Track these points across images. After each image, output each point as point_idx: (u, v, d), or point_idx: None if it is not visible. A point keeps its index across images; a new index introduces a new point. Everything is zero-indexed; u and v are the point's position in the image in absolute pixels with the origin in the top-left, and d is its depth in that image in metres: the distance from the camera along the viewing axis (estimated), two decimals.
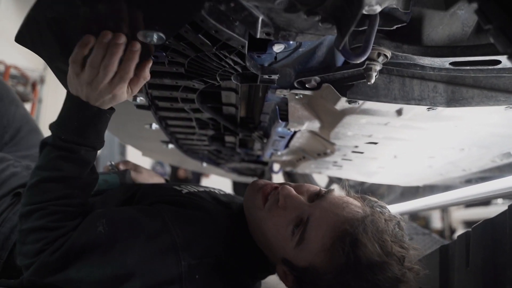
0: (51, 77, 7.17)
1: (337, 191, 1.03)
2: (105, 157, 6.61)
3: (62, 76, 0.97)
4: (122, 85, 0.87)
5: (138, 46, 0.81)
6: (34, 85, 6.89)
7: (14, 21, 6.29)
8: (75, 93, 0.91)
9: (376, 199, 1.00)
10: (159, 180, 1.55)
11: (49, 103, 7.36)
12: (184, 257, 0.92)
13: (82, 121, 0.94)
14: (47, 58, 0.95)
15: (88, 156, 0.98)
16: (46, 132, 1.04)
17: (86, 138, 0.95)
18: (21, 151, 1.61)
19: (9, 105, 1.67)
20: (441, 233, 7.46)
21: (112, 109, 0.97)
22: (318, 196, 0.99)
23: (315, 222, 0.92)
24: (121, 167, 1.44)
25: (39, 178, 0.95)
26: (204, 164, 2.20)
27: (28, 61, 6.61)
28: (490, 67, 0.81)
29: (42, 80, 7.06)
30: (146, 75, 0.88)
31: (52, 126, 0.96)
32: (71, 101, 0.93)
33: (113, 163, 1.46)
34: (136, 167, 1.48)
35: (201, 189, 1.22)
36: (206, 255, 0.95)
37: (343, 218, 0.91)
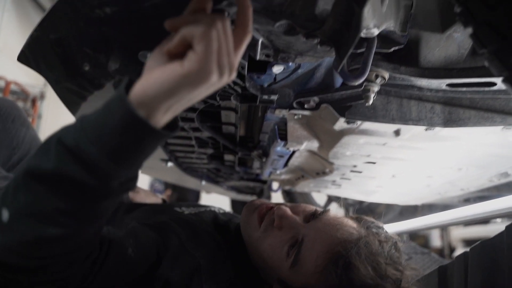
0: (51, 93, 7.20)
1: (336, 210, 1.03)
2: None
3: (67, 97, 0.97)
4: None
5: None
6: (34, 101, 6.92)
7: (15, 37, 6.35)
8: (156, 115, 0.58)
9: (373, 220, 0.99)
10: (156, 200, 1.55)
11: (49, 118, 7.38)
12: (206, 280, 0.91)
13: (152, 150, 0.64)
14: (51, 78, 0.96)
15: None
16: None
17: (133, 171, 0.65)
18: None
19: (20, 126, 1.68)
20: (440, 251, 7.41)
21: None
22: (313, 217, 0.99)
23: (309, 243, 0.92)
24: None
25: (70, 230, 0.64)
26: (203, 182, 2.20)
27: (29, 77, 6.65)
28: (486, 88, 0.83)
29: (42, 96, 7.08)
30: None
31: (103, 162, 0.59)
32: (140, 130, 0.58)
33: None
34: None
35: (202, 209, 1.22)
36: (221, 279, 0.95)
37: (337, 240, 0.91)
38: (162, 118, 0.60)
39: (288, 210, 1.00)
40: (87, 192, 0.61)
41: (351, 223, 0.97)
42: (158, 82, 0.56)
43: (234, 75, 0.61)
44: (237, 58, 0.60)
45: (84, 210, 0.63)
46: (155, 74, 0.57)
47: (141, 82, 0.58)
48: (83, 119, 0.61)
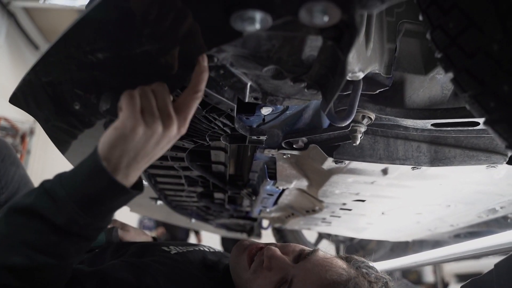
0: (40, 129, 7.17)
1: (326, 246, 1.03)
2: None
3: (57, 135, 0.97)
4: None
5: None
6: (23, 137, 6.89)
7: (6, 74, 6.38)
8: (115, 168, 0.67)
9: (363, 260, 0.99)
10: (147, 238, 1.53)
11: (38, 154, 7.33)
12: None
13: (115, 207, 0.72)
14: (41, 118, 0.97)
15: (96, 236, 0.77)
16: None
17: (108, 222, 0.75)
18: None
19: (10, 165, 1.67)
20: (434, 287, 7.32)
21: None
22: (302, 257, 0.98)
23: (299, 284, 0.91)
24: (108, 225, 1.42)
25: (29, 262, 0.69)
26: (193, 220, 2.18)
27: (19, 113, 6.64)
28: (469, 128, 0.85)
29: (31, 132, 7.06)
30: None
31: (63, 201, 0.67)
32: (109, 184, 0.67)
33: None
34: (124, 226, 1.47)
35: (190, 249, 1.21)
36: None
37: (326, 281, 0.90)
38: (126, 175, 0.69)
39: (277, 251, 0.99)
40: (52, 228, 0.68)
41: (340, 264, 0.96)
42: (105, 136, 0.67)
43: (183, 129, 0.69)
44: (185, 112, 0.68)
45: (47, 246, 0.69)
46: (107, 131, 0.68)
47: (102, 139, 0.68)
48: (67, 170, 0.71)
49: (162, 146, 0.69)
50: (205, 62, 0.65)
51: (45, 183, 0.70)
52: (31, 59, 6.95)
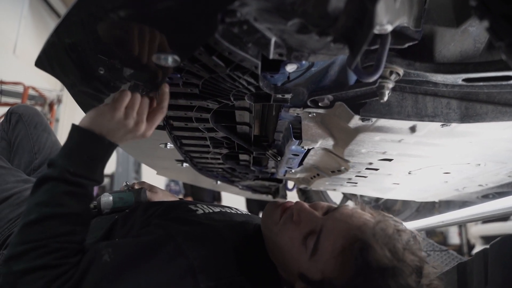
0: (68, 97, 7.32)
1: (352, 207, 1.04)
2: (120, 176, 6.69)
3: (83, 100, 0.99)
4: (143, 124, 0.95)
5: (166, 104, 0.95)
6: (51, 105, 7.02)
7: (32, 44, 6.46)
8: (91, 128, 0.92)
9: (391, 215, 1.00)
10: (174, 200, 1.56)
11: (66, 122, 7.49)
12: (202, 279, 0.91)
13: (94, 155, 0.93)
14: (67, 83, 0.98)
15: (92, 191, 0.96)
16: None
17: (95, 172, 0.94)
18: None
19: (42, 132, 1.76)
20: (459, 248, 7.32)
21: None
22: (330, 211, 1.00)
23: (327, 232, 0.94)
24: (136, 187, 1.46)
25: (39, 215, 0.87)
26: (218, 182, 2.20)
27: (46, 82, 6.75)
28: (503, 82, 0.81)
29: (59, 100, 7.18)
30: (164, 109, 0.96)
31: (56, 160, 0.92)
32: (82, 135, 0.92)
33: (128, 183, 1.48)
34: (151, 187, 1.50)
35: (217, 210, 1.23)
36: (221, 276, 0.95)
37: (353, 226, 0.92)
38: (99, 133, 0.92)
39: (305, 205, 1.02)
40: (53, 184, 0.90)
41: (367, 212, 0.98)
42: (87, 113, 0.95)
43: (148, 133, 0.97)
44: (152, 122, 0.95)
45: (50, 199, 0.89)
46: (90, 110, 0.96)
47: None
48: (62, 155, 0.93)
49: (127, 138, 0.95)
50: (167, 89, 0.93)
51: (49, 159, 0.93)
52: None
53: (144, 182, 1.54)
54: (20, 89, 5.85)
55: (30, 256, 0.84)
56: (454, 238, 7.93)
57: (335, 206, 1.04)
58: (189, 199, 6.16)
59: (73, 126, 0.94)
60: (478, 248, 6.13)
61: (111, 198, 1.37)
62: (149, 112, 0.95)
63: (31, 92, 6.15)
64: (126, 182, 1.50)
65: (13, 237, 0.88)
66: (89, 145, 0.92)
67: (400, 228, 0.94)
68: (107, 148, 0.94)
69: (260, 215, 1.16)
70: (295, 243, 0.98)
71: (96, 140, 0.92)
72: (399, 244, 0.89)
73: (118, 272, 0.89)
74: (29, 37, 6.61)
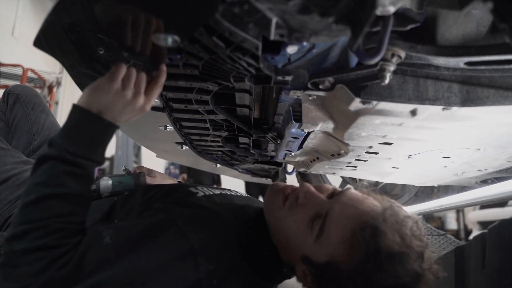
0: (67, 80, 7.29)
1: (356, 191, 1.05)
2: (119, 159, 6.70)
3: (82, 82, 0.99)
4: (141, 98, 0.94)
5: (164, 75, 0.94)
6: (51, 88, 7.00)
7: (31, 26, 6.40)
8: (89, 107, 0.91)
9: (393, 200, 1.01)
10: (173, 183, 1.57)
11: (66, 105, 7.47)
12: (202, 262, 0.91)
13: (93, 135, 0.92)
14: (66, 63, 0.97)
15: (92, 173, 0.94)
16: None
17: (94, 152, 0.93)
18: None
19: (40, 113, 1.75)
20: (456, 234, 7.38)
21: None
22: (336, 194, 1.01)
23: (334, 215, 0.94)
24: (136, 171, 1.46)
25: (39, 195, 0.88)
26: (218, 165, 2.21)
27: (45, 65, 6.71)
28: (505, 66, 0.81)
29: (58, 83, 7.16)
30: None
31: (56, 139, 0.91)
32: (81, 114, 0.91)
33: (127, 167, 1.49)
34: (150, 172, 1.51)
35: (217, 192, 1.23)
36: (222, 260, 0.95)
37: (362, 211, 0.93)
38: (98, 112, 0.92)
39: (312, 187, 1.02)
40: (52, 164, 0.90)
41: (374, 198, 0.99)
42: (84, 90, 0.94)
43: (147, 107, 0.96)
44: (150, 95, 0.95)
45: (50, 179, 0.89)
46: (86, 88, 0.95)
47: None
48: (61, 135, 0.93)
49: (126, 112, 0.93)
50: (164, 67, 0.92)
51: (49, 138, 0.93)
52: None
53: (142, 167, 1.54)
54: (19, 71, 5.83)
55: (31, 236, 0.85)
56: (451, 223, 8.00)
57: (340, 189, 1.04)
58: (184, 176, 6.20)
59: (73, 105, 0.93)
60: (475, 233, 6.18)
61: (110, 181, 1.38)
62: (146, 87, 0.94)
63: (30, 74, 6.13)
64: (125, 166, 1.50)
65: (14, 217, 0.89)
66: (88, 125, 0.91)
67: (406, 214, 0.95)
68: (106, 129, 0.93)
69: (260, 198, 1.17)
70: (300, 226, 0.99)
71: (94, 120, 0.91)
72: (407, 230, 0.90)
73: (119, 254, 0.89)
74: (27, 18, 6.54)
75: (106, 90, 0.90)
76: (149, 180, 1.47)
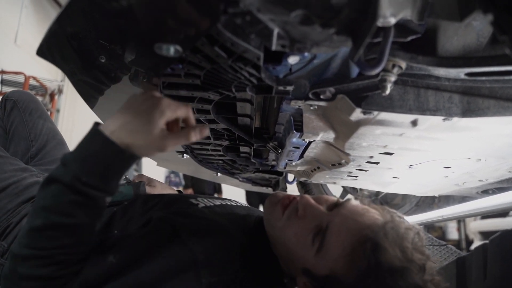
0: (69, 88, 7.31)
1: (357, 202, 1.04)
2: None
3: (82, 88, 0.99)
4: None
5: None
6: (52, 96, 7.02)
7: (34, 34, 6.44)
8: (118, 139, 0.81)
9: (394, 210, 1.00)
10: (174, 193, 1.56)
11: (67, 113, 7.48)
12: (204, 275, 0.90)
13: (112, 167, 0.84)
14: (69, 72, 0.98)
15: (104, 203, 0.88)
16: (70, 144, 0.99)
17: (109, 185, 0.86)
18: (45, 165, 1.65)
19: (37, 119, 1.74)
20: (457, 244, 7.35)
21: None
22: (336, 206, 1.00)
23: (334, 229, 0.93)
24: (136, 180, 1.46)
25: (46, 222, 0.83)
26: (219, 174, 2.21)
27: (47, 72, 6.74)
28: (506, 77, 0.81)
29: (60, 91, 7.19)
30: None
31: (70, 161, 0.83)
32: (105, 145, 0.81)
33: (127, 176, 1.49)
34: (150, 181, 1.51)
35: (217, 203, 1.23)
36: (224, 272, 0.94)
37: (363, 224, 0.92)
38: (120, 139, 0.82)
39: (311, 199, 1.02)
40: (63, 189, 0.83)
41: (375, 210, 0.98)
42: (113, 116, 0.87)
43: (169, 149, 0.85)
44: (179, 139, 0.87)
45: (58, 207, 0.83)
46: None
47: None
48: (76, 159, 0.85)
49: (151, 152, 0.85)
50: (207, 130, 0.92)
51: (64, 154, 0.85)
52: None
53: (142, 175, 1.54)
54: (21, 79, 5.85)
55: (35, 262, 0.84)
56: (452, 233, 7.96)
57: (340, 200, 1.03)
58: (190, 191, 6.17)
59: (97, 130, 0.83)
60: (476, 243, 6.16)
61: None
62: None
63: (32, 82, 6.15)
64: (125, 176, 1.50)
65: (20, 235, 0.86)
66: (109, 157, 0.82)
67: (407, 226, 0.94)
68: (127, 160, 0.84)
69: (260, 208, 1.17)
70: (300, 238, 0.98)
71: (118, 153, 0.82)
72: (408, 243, 0.90)
73: (123, 270, 0.90)
74: (30, 26, 6.58)
75: (148, 130, 0.81)
76: (149, 190, 1.47)
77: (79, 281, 0.87)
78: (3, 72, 5.66)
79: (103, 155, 0.82)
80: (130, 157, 0.84)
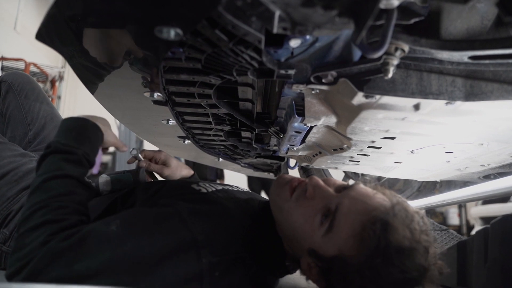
0: (70, 74, 7.29)
1: (364, 186, 1.05)
2: (121, 154, 6.70)
3: (82, 73, 0.98)
4: None
5: None
6: (53, 82, 7.00)
7: (33, 20, 6.40)
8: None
9: (399, 195, 1.01)
10: (188, 172, 1.57)
11: (68, 99, 7.47)
12: (205, 254, 0.91)
13: (81, 132, 1.14)
14: (67, 55, 0.97)
15: (85, 162, 1.10)
16: None
17: (83, 144, 1.11)
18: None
19: (34, 102, 1.71)
20: (458, 229, 7.38)
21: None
22: (345, 188, 1.01)
23: (344, 210, 0.94)
24: (148, 155, 1.48)
25: (41, 180, 1.00)
26: (220, 160, 2.21)
27: (48, 59, 6.72)
28: (510, 60, 0.80)
29: (61, 77, 7.17)
30: None
31: (51, 141, 1.10)
32: (75, 120, 1.17)
33: (137, 152, 1.49)
34: (167, 160, 1.51)
35: (219, 188, 1.23)
36: (226, 252, 0.95)
37: (373, 206, 0.93)
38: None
39: (320, 181, 1.02)
40: (67, 159, 1.07)
41: (382, 193, 0.99)
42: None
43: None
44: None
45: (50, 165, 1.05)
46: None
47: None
48: (55, 135, 1.16)
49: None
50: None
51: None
52: None
53: (161, 152, 1.56)
54: (21, 65, 5.83)
55: (35, 216, 0.91)
56: (453, 218, 7.99)
57: (348, 183, 1.04)
58: None
59: (71, 117, 1.17)
60: (477, 229, 6.19)
61: (109, 179, 1.39)
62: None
63: (32, 68, 6.13)
64: (135, 149, 1.50)
65: (23, 207, 0.97)
66: (78, 126, 1.15)
67: (414, 209, 0.95)
68: (92, 129, 1.16)
69: (262, 193, 1.17)
70: (307, 219, 0.99)
71: (84, 122, 1.16)
72: (416, 225, 0.91)
73: (123, 239, 0.90)
74: (30, 12, 6.54)
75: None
76: (161, 170, 1.51)
77: (79, 236, 0.88)
78: (3, 58, 5.64)
79: (74, 125, 1.15)
80: (95, 125, 1.17)
